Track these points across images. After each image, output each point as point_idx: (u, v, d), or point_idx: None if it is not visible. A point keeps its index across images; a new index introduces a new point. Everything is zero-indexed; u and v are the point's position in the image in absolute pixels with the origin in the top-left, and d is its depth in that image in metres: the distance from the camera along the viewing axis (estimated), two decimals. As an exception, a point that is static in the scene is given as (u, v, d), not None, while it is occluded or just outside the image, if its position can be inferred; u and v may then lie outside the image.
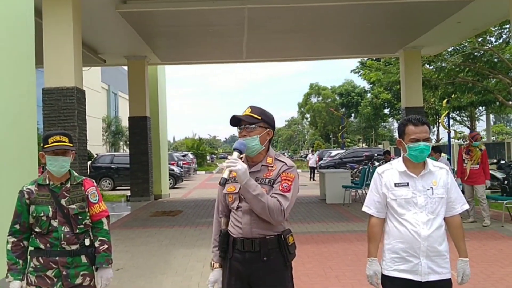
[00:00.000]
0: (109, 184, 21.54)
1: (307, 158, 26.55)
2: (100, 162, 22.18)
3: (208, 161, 53.07)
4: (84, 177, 3.37)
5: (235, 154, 2.69)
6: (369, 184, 15.12)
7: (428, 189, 2.91)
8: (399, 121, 3.28)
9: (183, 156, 31.84)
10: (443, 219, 2.96)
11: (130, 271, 6.58)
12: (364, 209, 3.12)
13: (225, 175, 2.64)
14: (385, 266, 2.99)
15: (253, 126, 2.80)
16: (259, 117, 2.82)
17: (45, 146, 3.16)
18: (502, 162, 12.64)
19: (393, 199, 2.95)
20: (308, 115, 69.65)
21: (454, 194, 2.99)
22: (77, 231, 3.19)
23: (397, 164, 3.04)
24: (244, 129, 2.81)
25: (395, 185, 2.96)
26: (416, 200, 2.90)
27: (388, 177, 3.01)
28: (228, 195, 2.86)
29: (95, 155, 23.69)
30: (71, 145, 3.22)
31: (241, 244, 2.78)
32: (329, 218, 10.84)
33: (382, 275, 3.00)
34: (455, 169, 10.46)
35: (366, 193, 14.68)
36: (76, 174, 3.35)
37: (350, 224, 9.93)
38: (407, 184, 2.93)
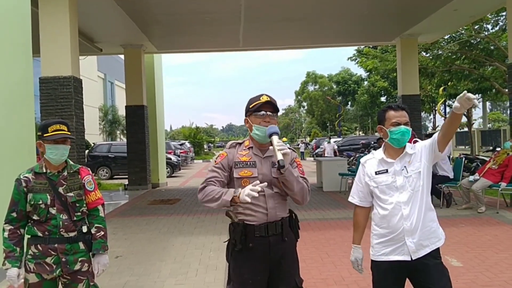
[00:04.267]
0: (107, 173, 21.60)
1: (322, 147, 24.50)
2: (97, 151, 22.21)
3: (205, 150, 53.11)
4: (80, 166, 3.42)
5: (277, 137, 2.76)
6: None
7: (403, 169, 2.98)
8: (379, 110, 3.24)
9: (180, 145, 31.81)
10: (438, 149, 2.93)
11: (129, 258, 6.64)
12: (349, 199, 3.22)
13: (280, 157, 2.65)
14: (373, 252, 3.06)
15: (274, 114, 2.91)
16: (278, 107, 2.95)
17: (45, 135, 3.18)
18: (498, 149, 12.71)
19: (375, 187, 3.05)
20: (305, 103, 69.60)
21: (428, 140, 3.03)
22: (75, 218, 3.24)
23: (377, 153, 3.14)
24: (267, 115, 2.87)
25: (376, 173, 3.05)
26: (396, 184, 2.98)
27: (369, 166, 3.11)
28: (243, 179, 2.86)
29: (92, 144, 23.69)
30: (70, 133, 3.27)
31: (264, 230, 2.83)
32: (325, 206, 10.93)
33: (371, 261, 3.08)
34: (451, 156, 10.53)
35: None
36: (71, 162, 3.38)
37: (346, 211, 10.00)
38: (386, 171, 3.02)
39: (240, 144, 3.01)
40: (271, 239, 2.84)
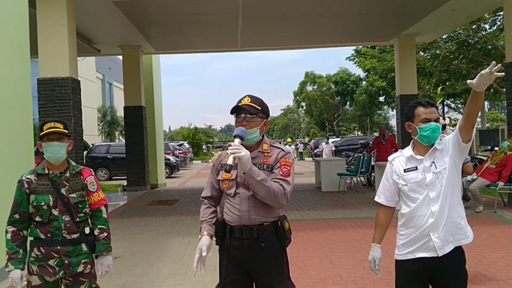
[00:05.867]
0: (105, 174, 21.58)
1: (320, 148, 23.48)
2: (96, 152, 22.19)
3: (204, 150, 53.11)
4: (82, 166, 3.40)
5: (237, 140, 2.71)
6: (363, 172, 15.11)
7: (431, 165, 2.90)
8: (407, 106, 3.09)
9: (179, 145, 31.79)
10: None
11: (128, 259, 6.65)
12: (376, 198, 3.14)
13: (230, 161, 2.65)
14: (398, 252, 2.99)
15: (253, 116, 2.83)
16: (259, 108, 2.86)
17: (41, 133, 3.17)
18: (496, 148, 12.76)
19: (404, 184, 2.95)
20: (303, 104, 69.65)
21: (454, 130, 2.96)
22: (78, 219, 3.22)
23: (406, 151, 3.05)
24: (244, 118, 2.83)
25: (404, 171, 2.97)
26: (425, 181, 2.89)
27: (397, 164, 3.03)
28: (224, 181, 2.88)
29: (91, 145, 23.68)
30: (66, 131, 3.21)
31: (239, 232, 2.81)
32: (324, 206, 10.93)
33: (396, 260, 3.01)
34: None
35: (361, 181, 14.67)
36: (74, 163, 3.37)
37: (345, 211, 10.03)
38: (416, 168, 2.93)
39: None
40: (245, 242, 2.81)
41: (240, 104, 2.85)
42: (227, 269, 2.88)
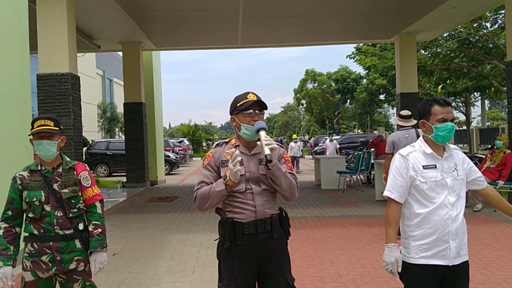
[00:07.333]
0: (105, 170, 21.57)
1: (325, 146, 23.02)
2: (95, 149, 22.19)
3: (204, 148, 53.07)
4: (76, 162, 3.36)
5: (264, 133, 2.75)
6: (363, 170, 15.06)
7: (453, 171, 2.85)
8: (422, 103, 2.98)
9: (179, 142, 31.78)
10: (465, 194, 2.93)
11: (126, 256, 6.63)
12: (386, 193, 2.93)
13: (267, 151, 2.64)
14: (411, 255, 2.85)
15: (262, 111, 2.91)
16: (265, 105, 2.94)
17: (31, 131, 3.15)
18: (495, 147, 12.75)
19: (423, 182, 2.82)
20: (304, 101, 69.56)
21: (476, 170, 2.98)
22: (71, 215, 3.19)
23: (421, 147, 2.92)
24: (255, 114, 2.86)
25: (423, 167, 2.84)
26: (444, 182, 2.81)
27: (414, 159, 2.88)
28: None
29: (91, 142, 23.66)
30: (57, 128, 3.18)
31: (253, 227, 2.82)
32: (323, 203, 10.93)
33: (406, 263, 2.87)
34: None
35: (360, 179, 14.62)
36: (68, 159, 3.34)
37: (344, 209, 10.01)
38: (435, 166, 2.84)
39: (226, 142, 3.00)
40: (259, 236, 2.82)
41: (252, 99, 2.87)
42: (240, 267, 2.84)
